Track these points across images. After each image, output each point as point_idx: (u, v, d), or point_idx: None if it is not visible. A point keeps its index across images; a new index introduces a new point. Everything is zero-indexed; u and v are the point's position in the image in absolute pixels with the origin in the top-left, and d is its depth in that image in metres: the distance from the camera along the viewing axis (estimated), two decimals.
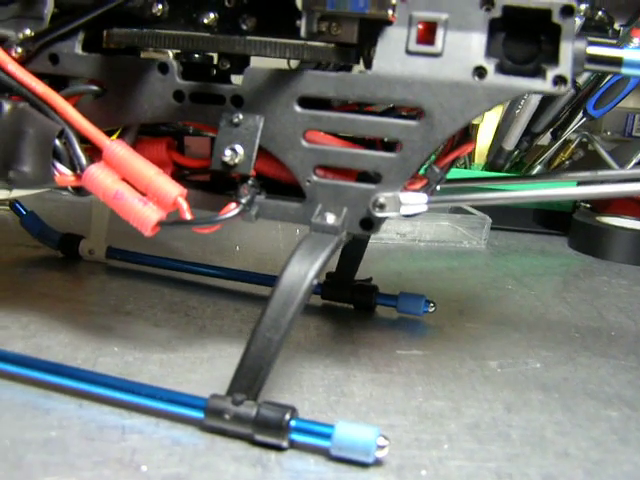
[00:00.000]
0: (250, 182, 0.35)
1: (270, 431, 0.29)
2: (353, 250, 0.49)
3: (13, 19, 0.39)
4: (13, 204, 0.56)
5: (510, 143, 0.84)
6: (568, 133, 0.84)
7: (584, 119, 0.82)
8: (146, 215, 0.34)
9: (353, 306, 0.50)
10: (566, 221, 0.81)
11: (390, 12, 0.33)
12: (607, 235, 0.73)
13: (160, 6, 0.37)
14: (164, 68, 0.36)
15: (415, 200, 0.34)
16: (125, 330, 0.42)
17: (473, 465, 0.30)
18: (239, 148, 0.34)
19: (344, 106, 0.41)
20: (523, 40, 0.33)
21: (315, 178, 0.35)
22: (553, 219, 0.85)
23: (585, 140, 0.86)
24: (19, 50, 0.38)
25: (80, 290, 0.49)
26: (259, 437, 0.30)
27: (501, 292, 0.58)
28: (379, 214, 0.34)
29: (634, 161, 0.78)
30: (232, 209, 0.34)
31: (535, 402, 0.37)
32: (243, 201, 0.35)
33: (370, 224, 0.35)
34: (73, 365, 0.35)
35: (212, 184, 0.40)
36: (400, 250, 0.70)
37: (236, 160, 0.34)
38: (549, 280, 0.63)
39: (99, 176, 0.35)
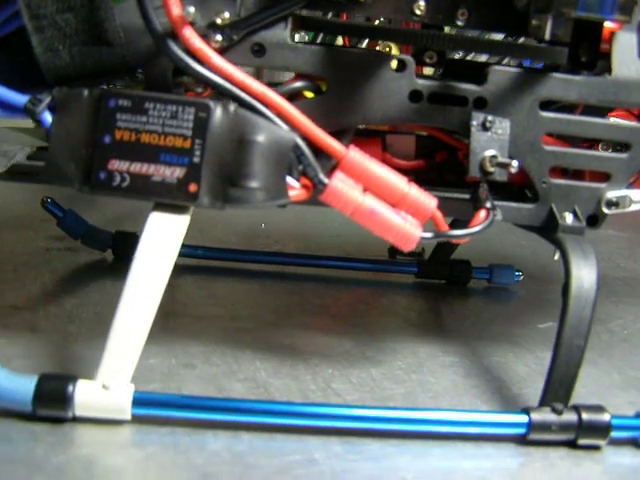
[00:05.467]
0: (485, 185, 0.34)
1: (595, 433, 0.31)
2: None
3: None
4: (46, 204, 0.45)
5: None
6: None
7: None
8: (411, 232, 0.31)
9: (447, 282, 0.51)
10: None
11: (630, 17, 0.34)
12: None
13: None
14: (401, 65, 0.33)
15: None
16: (307, 346, 0.38)
17: None
18: (495, 153, 0.33)
19: None
20: None
21: (551, 180, 0.35)
22: None
23: None
24: (218, 38, 0.31)
25: (194, 302, 0.43)
26: (582, 441, 0.31)
27: (527, 250, 0.63)
28: (611, 211, 0.36)
29: None
30: (483, 217, 0.33)
31: None
32: (488, 206, 0.34)
33: (596, 220, 0.36)
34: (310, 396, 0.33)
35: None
36: None
37: (495, 166, 0.33)
38: None
39: (348, 191, 0.31)
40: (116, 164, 0.30)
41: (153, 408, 0.29)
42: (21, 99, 0.30)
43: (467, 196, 0.35)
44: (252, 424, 0.29)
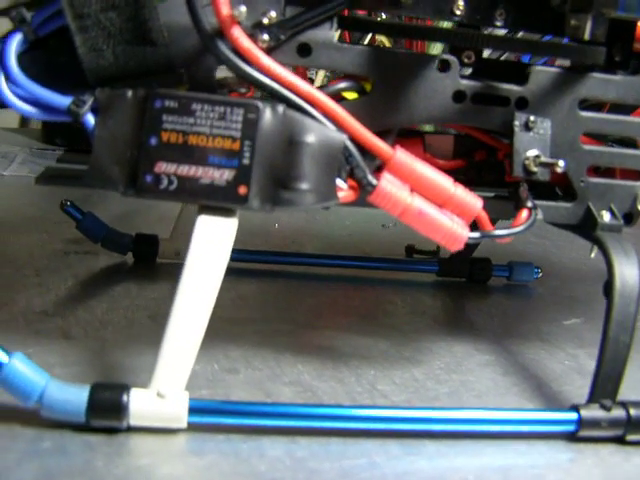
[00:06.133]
0: (526, 185, 0.35)
1: None
2: None
3: None
4: (66, 206, 0.44)
5: None
6: None
7: None
8: (459, 232, 0.31)
9: (467, 280, 0.51)
10: None
11: None
12: None
13: None
14: (445, 65, 0.33)
15: None
16: (345, 347, 0.38)
17: None
18: (538, 153, 0.33)
19: None
20: None
21: (589, 178, 0.36)
22: None
23: None
24: (265, 38, 0.30)
25: (224, 304, 0.42)
26: (631, 437, 0.31)
27: (536, 247, 0.64)
28: None
29: None
30: (526, 217, 0.34)
31: None
32: (530, 205, 0.34)
33: (631, 218, 0.37)
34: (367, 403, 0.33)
35: None
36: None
37: (539, 166, 0.33)
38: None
39: (397, 192, 0.31)
40: (163, 166, 0.29)
41: (209, 415, 0.29)
42: (63, 101, 0.30)
43: (492, 195, 0.35)
44: (308, 429, 0.29)
